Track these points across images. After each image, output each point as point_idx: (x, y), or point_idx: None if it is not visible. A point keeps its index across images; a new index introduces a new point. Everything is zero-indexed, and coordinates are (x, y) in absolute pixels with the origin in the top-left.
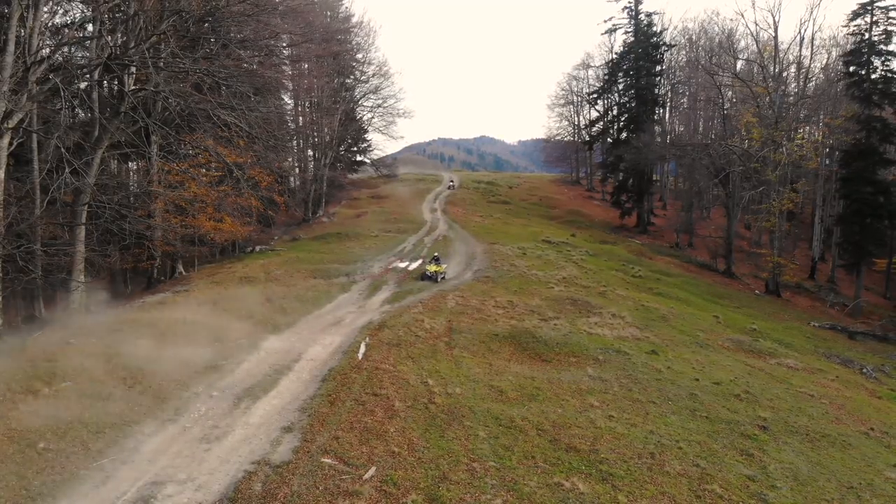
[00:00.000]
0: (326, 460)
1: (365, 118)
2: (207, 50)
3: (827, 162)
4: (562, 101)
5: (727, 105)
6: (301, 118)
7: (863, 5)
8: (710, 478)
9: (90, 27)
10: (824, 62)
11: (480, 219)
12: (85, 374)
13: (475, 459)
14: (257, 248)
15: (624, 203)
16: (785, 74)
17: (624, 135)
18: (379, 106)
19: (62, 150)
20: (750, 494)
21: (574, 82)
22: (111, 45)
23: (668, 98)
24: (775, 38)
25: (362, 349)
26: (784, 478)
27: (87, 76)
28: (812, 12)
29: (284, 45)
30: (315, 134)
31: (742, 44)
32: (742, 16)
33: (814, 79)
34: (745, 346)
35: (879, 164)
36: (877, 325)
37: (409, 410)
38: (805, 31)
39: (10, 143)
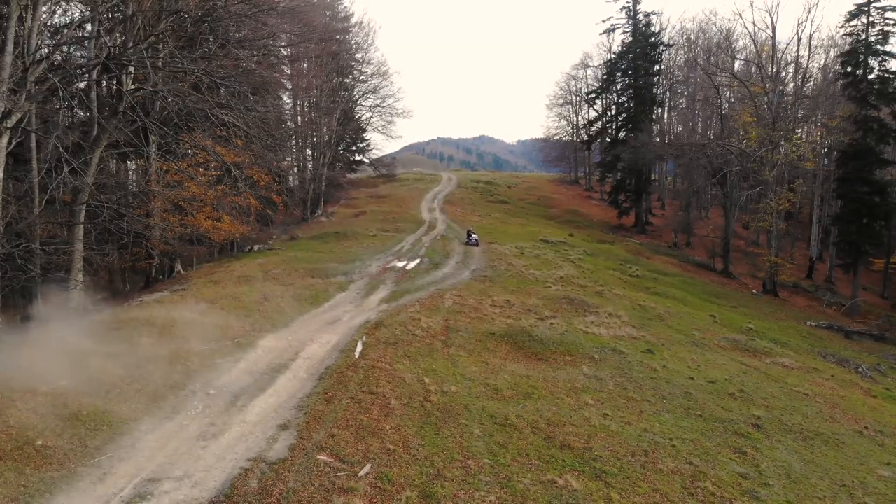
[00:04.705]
0: (322, 457)
1: (364, 118)
2: (206, 50)
3: (825, 162)
4: (560, 101)
5: (725, 105)
6: (299, 118)
7: (859, 6)
8: (703, 475)
9: (89, 27)
10: (822, 62)
11: (479, 218)
12: (82, 372)
13: (469, 457)
14: (256, 248)
15: (622, 203)
16: (783, 74)
17: (622, 134)
18: (378, 105)
19: (61, 149)
20: (742, 492)
21: (573, 82)
22: (109, 44)
23: (667, 98)
24: (773, 38)
25: (359, 348)
26: (776, 476)
27: (86, 76)
28: (810, 13)
29: (283, 44)
30: (314, 133)
31: (740, 44)
32: (740, 16)
33: (811, 79)
34: (740, 345)
35: (876, 165)
36: (873, 324)
37: (405, 408)
38: (802, 31)
39: (9, 143)
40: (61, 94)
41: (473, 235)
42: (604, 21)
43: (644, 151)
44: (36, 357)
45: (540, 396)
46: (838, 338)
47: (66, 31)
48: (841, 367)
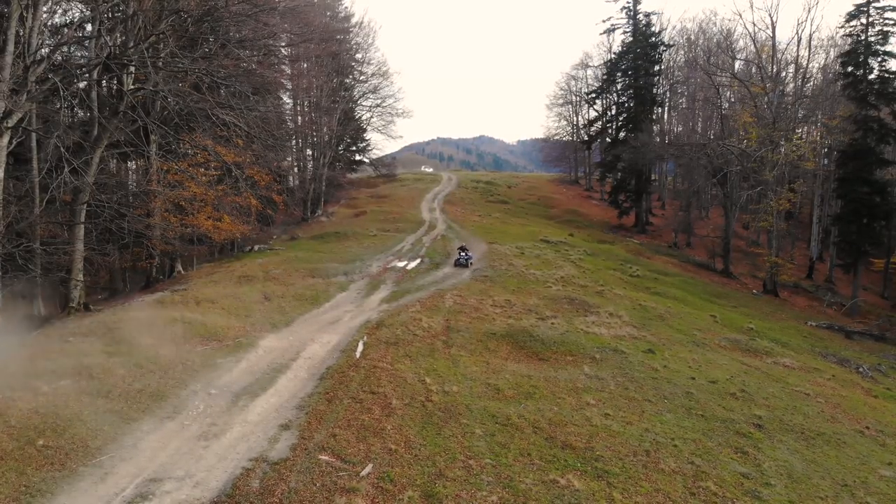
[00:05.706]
0: (323, 457)
1: (364, 118)
2: (206, 49)
3: (825, 162)
4: (560, 101)
5: (725, 105)
6: (300, 118)
7: (859, 6)
8: (705, 475)
9: (89, 27)
10: (822, 62)
11: (479, 218)
12: (84, 372)
13: (471, 457)
14: (256, 248)
15: (622, 203)
16: (783, 74)
17: (622, 134)
18: (378, 105)
19: (61, 149)
20: (744, 492)
21: (573, 82)
22: (110, 44)
23: (667, 98)
24: (773, 38)
25: (360, 348)
26: (778, 475)
27: (87, 75)
28: (809, 13)
29: (283, 44)
30: (314, 133)
31: (741, 44)
32: (740, 16)
33: (812, 79)
34: (741, 345)
35: (876, 165)
36: (874, 324)
37: (406, 408)
38: (802, 31)
39: (10, 142)
40: (62, 93)
41: (465, 254)
42: (604, 21)
43: (644, 151)
44: (38, 357)
45: (541, 396)
46: (839, 338)
47: (66, 30)
48: (842, 367)
